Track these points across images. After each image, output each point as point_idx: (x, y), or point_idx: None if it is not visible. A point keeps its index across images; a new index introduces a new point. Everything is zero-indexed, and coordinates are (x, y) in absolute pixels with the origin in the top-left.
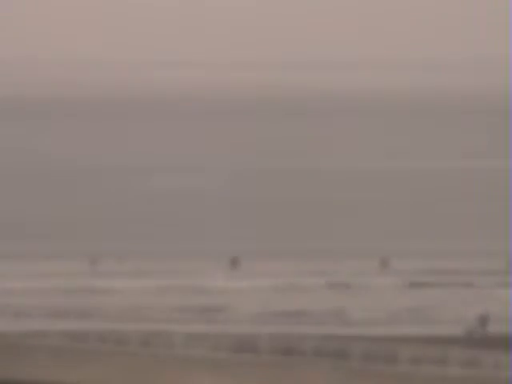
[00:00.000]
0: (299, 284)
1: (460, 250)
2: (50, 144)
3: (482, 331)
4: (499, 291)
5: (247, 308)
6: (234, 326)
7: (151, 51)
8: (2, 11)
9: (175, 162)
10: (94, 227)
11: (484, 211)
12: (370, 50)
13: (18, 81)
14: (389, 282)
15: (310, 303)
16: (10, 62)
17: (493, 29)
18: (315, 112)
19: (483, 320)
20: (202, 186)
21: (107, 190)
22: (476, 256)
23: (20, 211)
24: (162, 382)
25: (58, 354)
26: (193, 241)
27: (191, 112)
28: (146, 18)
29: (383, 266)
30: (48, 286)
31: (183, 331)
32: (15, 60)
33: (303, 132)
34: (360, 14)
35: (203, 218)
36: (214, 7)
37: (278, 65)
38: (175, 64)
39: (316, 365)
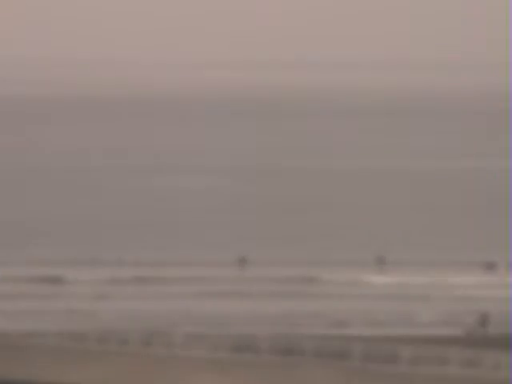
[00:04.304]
0: (296, 285)
1: (458, 249)
2: (49, 143)
3: (482, 331)
4: (499, 291)
5: (249, 310)
6: (234, 327)
7: (152, 51)
8: (3, 10)
9: (175, 162)
10: (94, 228)
11: (484, 211)
12: (370, 51)
13: (18, 80)
14: (385, 283)
15: (306, 305)
16: (10, 61)
17: (493, 29)
18: (315, 112)
19: (483, 320)
20: (202, 186)
21: (108, 191)
22: (474, 256)
23: (20, 212)
24: (162, 382)
25: (58, 353)
26: (196, 242)
27: (191, 112)
28: (146, 18)
29: (380, 266)
30: (49, 287)
31: (183, 331)
32: (15, 59)
33: (303, 132)
34: (360, 14)
35: (204, 219)
36: (215, 7)
37: (278, 65)
38: (176, 64)
39: (316, 365)
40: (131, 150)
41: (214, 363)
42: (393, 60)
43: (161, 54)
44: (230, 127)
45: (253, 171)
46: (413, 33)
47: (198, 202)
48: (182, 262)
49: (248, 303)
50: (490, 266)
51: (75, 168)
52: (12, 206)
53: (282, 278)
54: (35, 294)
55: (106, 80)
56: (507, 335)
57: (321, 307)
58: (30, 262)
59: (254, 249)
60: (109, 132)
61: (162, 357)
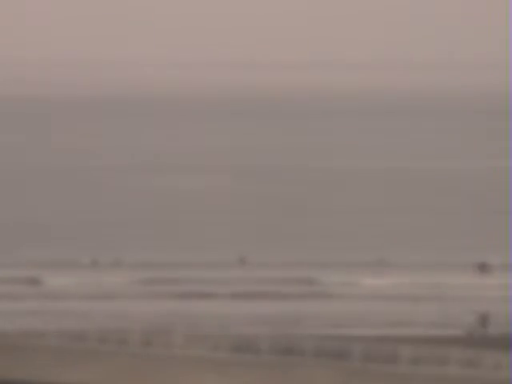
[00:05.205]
0: (294, 287)
1: (459, 249)
2: (49, 143)
3: (482, 331)
4: (499, 292)
5: (249, 310)
6: (234, 327)
7: (153, 51)
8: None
9: (175, 161)
10: (95, 228)
11: (484, 211)
12: (370, 51)
13: (18, 80)
14: (386, 283)
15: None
16: (10, 61)
17: (493, 29)
18: (315, 112)
19: (483, 320)
20: (202, 186)
21: (108, 191)
22: (475, 256)
23: (20, 212)
24: (162, 382)
25: (58, 354)
26: (196, 242)
27: (191, 112)
28: (146, 18)
29: (380, 267)
30: (48, 287)
31: (183, 331)
32: (15, 60)
33: (303, 132)
34: (360, 14)
35: (204, 219)
36: (215, 7)
37: (278, 65)
38: (176, 64)
39: (316, 365)
40: (131, 150)
41: (214, 363)
42: (393, 60)
43: (161, 53)
44: (230, 127)
45: (253, 171)
46: (413, 33)
47: (198, 202)
48: (181, 262)
49: (248, 303)
50: (490, 267)
51: (75, 168)
52: (11, 206)
53: (282, 278)
54: (34, 294)
55: (107, 80)
56: (507, 335)
57: (321, 308)
58: (29, 262)
59: (254, 249)
60: (109, 132)
61: (161, 357)
